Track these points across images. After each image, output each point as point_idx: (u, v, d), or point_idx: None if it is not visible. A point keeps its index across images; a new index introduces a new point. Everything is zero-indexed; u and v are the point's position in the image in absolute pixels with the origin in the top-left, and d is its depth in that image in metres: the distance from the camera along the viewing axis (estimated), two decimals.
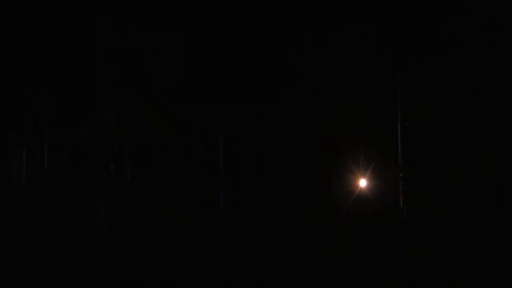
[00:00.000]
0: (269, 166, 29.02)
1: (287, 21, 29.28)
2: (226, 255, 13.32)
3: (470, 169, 27.08)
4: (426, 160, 26.62)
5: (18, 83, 30.64)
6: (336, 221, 22.92)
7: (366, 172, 26.59)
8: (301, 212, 24.87)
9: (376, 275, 10.73)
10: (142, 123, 31.11)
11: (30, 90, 30.46)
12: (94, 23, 16.51)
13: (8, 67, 28.98)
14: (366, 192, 26.19)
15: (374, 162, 26.22)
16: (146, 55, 32.52)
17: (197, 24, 29.65)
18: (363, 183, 26.56)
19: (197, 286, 9.69)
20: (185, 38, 31.13)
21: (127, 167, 31.28)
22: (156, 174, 29.81)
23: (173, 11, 30.19)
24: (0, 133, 32.35)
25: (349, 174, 26.92)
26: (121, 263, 11.88)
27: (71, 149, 31.74)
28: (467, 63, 27.00)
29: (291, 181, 28.48)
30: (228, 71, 29.63)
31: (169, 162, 30.35)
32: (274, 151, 29.11)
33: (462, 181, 26.35)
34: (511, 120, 27.01)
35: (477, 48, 26.82)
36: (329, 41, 28.77)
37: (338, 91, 28.38)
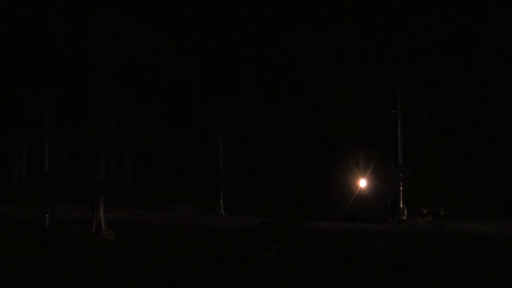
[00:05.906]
0: (269, 166, 29.03)
1: (287, 20, 29.33)
2: (225, 253, 13.37)
3: (470, 169, 27.11)
4: (425, 160, 26.64)
5: (18, 83, 30.68)
6: (336, 220, 22.96)
7: (366, 172, 26.59)
8: (301, 212, 24.90)
9: (375, 275, 10.74)
10: (142, 124, 31.11)
11: (30, 90, 30.49)
12: (94, 22, 16.53)
13: (8, 67, 29.02)
14: (366, 192, 26.20)
15: (374, 162, 26.23)
16: (145, 55, 32.53)
17: (197, 24, 29.71)
18: (363, 183, 26.56)
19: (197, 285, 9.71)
20: (185, 38, 31.16)
21: (127, 167, 31.28)
22: (156, 174, 29.82)
23: (173, 11, 30.24)
24: (0, 133, 32.37)
25: (349, 175, 26.93)
26: (121, 263, 11.90)
27: (71, 149, 31.74)
28: (467, 64, 27.04)
29: (291, 181, 28.49)
30: (229, 71, 29.66)
31: (169, 162, 30.35)
32: (274, 150, 29.12)
33: (461, 181, 26.39)
34: (511, 120, 27.04)
35: (477, 48, 26.86)
36: (329, 40, 28.81)
37: (338, 91, 28.42)
